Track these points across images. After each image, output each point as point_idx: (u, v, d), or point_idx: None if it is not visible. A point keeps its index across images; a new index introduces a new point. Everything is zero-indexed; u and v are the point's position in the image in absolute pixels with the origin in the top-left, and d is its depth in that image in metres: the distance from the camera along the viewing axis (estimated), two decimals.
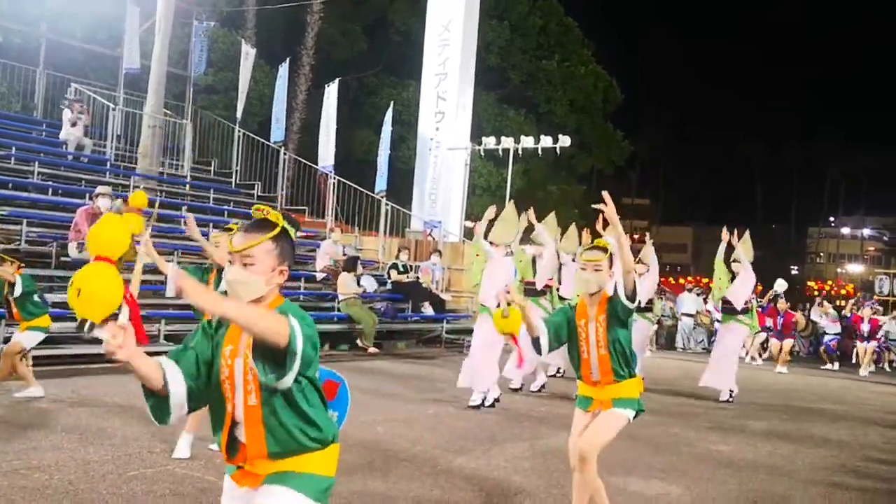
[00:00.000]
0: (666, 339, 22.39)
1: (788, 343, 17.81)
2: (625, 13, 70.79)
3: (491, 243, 9.03)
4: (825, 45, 74.36)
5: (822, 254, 69.69)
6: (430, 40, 21.26)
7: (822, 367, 18.62)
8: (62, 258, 11.37)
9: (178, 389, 2.65)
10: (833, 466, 7.43)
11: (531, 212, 10.27)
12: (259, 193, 18.72)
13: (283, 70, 19.62)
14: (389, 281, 15.84)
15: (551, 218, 11.10)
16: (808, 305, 23.38)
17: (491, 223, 9.22)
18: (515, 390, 10.42)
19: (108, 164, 16.19)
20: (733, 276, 11.20)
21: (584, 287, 4.46)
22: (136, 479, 5.19)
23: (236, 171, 18.97)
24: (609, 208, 4.37)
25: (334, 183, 18.41)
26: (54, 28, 18.72)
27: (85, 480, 5.08)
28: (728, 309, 11.45)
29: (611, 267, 4.39)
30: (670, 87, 70.99)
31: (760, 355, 19.22)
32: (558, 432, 7.99)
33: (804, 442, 8.60)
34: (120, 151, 16.65)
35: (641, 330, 11.82)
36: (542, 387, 10.73)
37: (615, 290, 4.34)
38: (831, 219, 67.77)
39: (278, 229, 2.63)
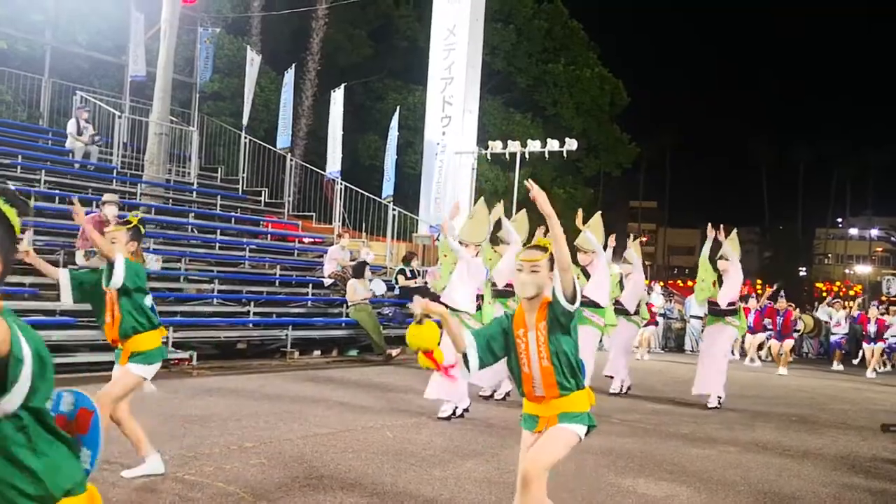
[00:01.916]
0: (675, 341, 22.35)
1: (789, 343, 17.68)
2: (629, 16, 70.74)
3: (461, 242, 8.61)
4: (832, 44, 74.27)
5: (829, 255, 69.45)
6: (436, 45, 21.29)
7: (832, 369, 18.55)
8: (70, 266, 11.38)
9: None
10: (843, 467, 7.39)
11: (499, 207, 9.85)
12: (266, 200, 18.75)
13: (289, 76, 19.66)
14: (397, 286, 15.83)
15: (521, 215, 10.75)
16: (816, 305, 23.33)
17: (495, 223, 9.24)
18: (486, 398, 9.86)
19: (115, 171, 16.23)
20: (719, 276, 10.83)
21: (520, 290, 3.95)
22: (146, 486, 5.19)
23: (243, 177, 19.00)
24: (539, 196, 3.75)
25: (341, 188, 18.43)
26: (59, 36, 18.80)
27: (94, 486, 5.07)
28: (715, 310, 10.96)
29: (552, 268, 3.91)
30: (677, 89, 70.91)
31: (760, 357, 19.09)
32: None
33: (814, 443, 8.56)
34: (126, 159, 16.69)
35: (627, 334, 11.74)
36: (507, 395, 9.97)
37: (553, 292, 3.84)
38: (839, 220, 67.53)
39: None
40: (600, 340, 12.62)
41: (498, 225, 9.97)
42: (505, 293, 9.73)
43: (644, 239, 68.63)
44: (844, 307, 20.99)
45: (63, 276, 5.45)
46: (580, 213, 10.33)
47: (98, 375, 9.59)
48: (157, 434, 6.67)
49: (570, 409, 3.92)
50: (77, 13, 18.80)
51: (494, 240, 10.14)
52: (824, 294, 39.94)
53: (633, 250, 11.58)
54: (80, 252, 11.14)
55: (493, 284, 9.89)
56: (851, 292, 47.52)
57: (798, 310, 20.61)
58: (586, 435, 4.01)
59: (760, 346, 19.39)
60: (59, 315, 10.57)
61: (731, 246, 10.82)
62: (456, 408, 8.36)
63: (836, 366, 18.87)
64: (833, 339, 19.75)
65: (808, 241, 64.98)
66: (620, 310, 11.37)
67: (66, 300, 5.56)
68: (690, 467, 6.90)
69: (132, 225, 5.45)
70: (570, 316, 3.84)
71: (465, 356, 3.92)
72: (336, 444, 6.83)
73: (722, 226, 10.86)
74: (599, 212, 10.73)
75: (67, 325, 10.33)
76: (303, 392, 9.64)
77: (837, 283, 55.37)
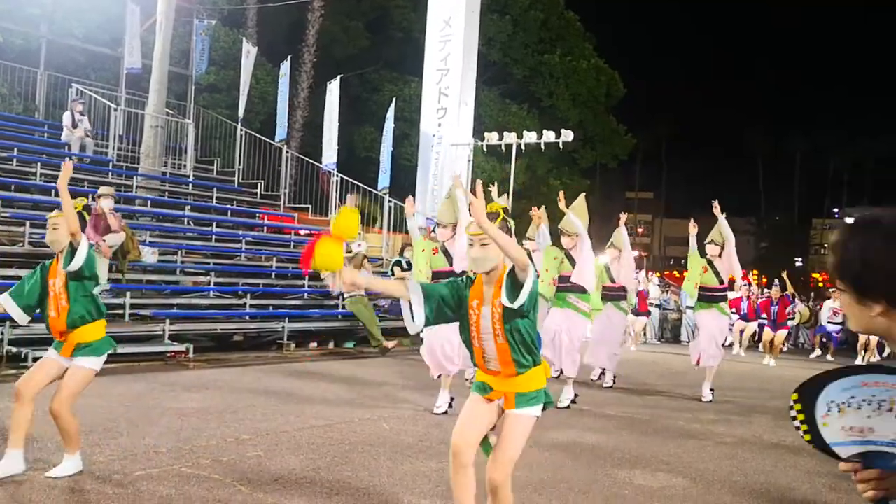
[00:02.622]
0: (671, 332, 22.39)
1: (782, 334, 17.45)
2: (626, 5, 70.57)
3: (437, 224, 8.40)
4: (827, 34, 74.16)
5: (826, 245, 69.54)
6: (432, 36, 21.23)
7: (814, 356, 18.63)
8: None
9: None
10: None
11: (457, 181, 9.80)
12: (262, 192, 18.73)
13: (285, 68, 19.61)
14: (393, 278, 15.84)
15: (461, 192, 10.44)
16: (812, 296, 23.36)
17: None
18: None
19: (111, 164, 16.20)
20: (710, 263, 10.52)
21: (473, 266, 3.81)
22: (143, 479, 5.19)
23: (239, 169, 18.98)
24: (475, 205, 3.44)
25: (337, 180, 18.41)
26: (55, 29, 18.74)
27: (91, 481, 5.09)
28: (708, 296, 10.64)
29: (509, 235, 3.69)
30: (673, 79, 70.81)
31: (744, 345, 19.05)
32: (563, 429, 8.00)
33: None
34: (122, 152, 16.66)
35: (616, 322, 11.28)
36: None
37: (504, 285, 3.66)
38: (835, 210, 67.60)
39: None
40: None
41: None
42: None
43: (640, 230, 68.73)
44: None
45: (4, 301, 5.31)
46: (562, 195, 9.97)
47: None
48: (154, 427, 6.69)
49: (526, 387, 3.82)
50: (73, 6, 18.74)
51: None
52: (820, 284, 40.00)
53: (622, 234, 11.06)
54: None
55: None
56: None
57: (797, 298, 20.59)
58: (544, 410, 3.93)
59: (753, 337, 19.39)
60: None
61: (722, 228, 10.50)
62: (451, 402, 8.31)
63: (816, 352, 19.04)
64: (828, 327, 19.75)
65: (805, 232, 65.04)
66: (611, 296, 11.02)
67: (21, 321, 5.48)
68: (686, 459, 6.92)
69: (77, 211, 5.41)
70: (522, 307, 3.67)
71: (409, 306, 3.73)
72: (332, 437, 6.84)
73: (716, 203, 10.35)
74: (583, 193, 10.34)
75: None
76: (299, 384, 9.65)
77: None
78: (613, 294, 11.10)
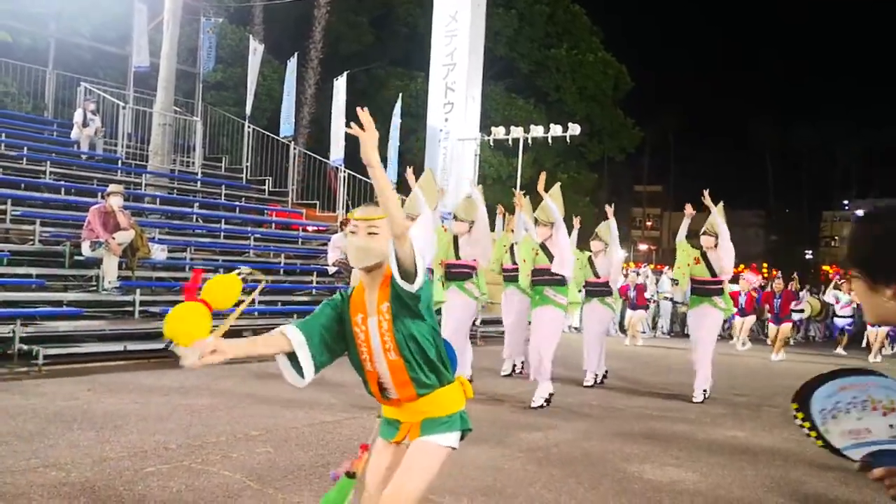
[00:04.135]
0: (681, 325, 22.34)
1: (786, 328, 16.99)
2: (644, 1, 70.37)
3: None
4: (834, 23, 73.80)
5: (836, 237, 69.31)
6: (438, 31, 21.24)
7: (835, 353, 18.50)
8: (76, 257, 11.43)
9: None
10: None
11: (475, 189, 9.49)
12: (270, 188, 18.76)
13: (292, 65, 19.63)
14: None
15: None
16: (823, 288, 23.26)
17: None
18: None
19: (120, 162, 16.26)
20: (703, 255, 9.84)
21: (354, 259, 3.05)
22: (153, 475, 5.22)
23: (247, 166, 19.01)
24: (360, 132, 2.71)
25: (344, 176, 18.42)
26: (63, 28, 18.81)
27: (101, 477, 5.12)
28: (701, 290, 9.91)
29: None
30: (680, 71, 70.58)
31: (743, 339, 18.91)
32: (573, 422, 8.00)
33: None
34: (131, 150, 16.72)
35: (601, 318, 10.83)
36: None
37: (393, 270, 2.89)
38: (845, 202, 67.33)
39: None
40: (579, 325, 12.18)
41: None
42: (461, 274, 9.34)
43: (649, 223, 68.47)
44: (851, 290, 20.73)
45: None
46: (542, 176, 9.36)
47: (104, 365, 9.68)
48: (163, 423, 6.71)
49: (435, 412, 3.08)
50: (80, 5, 18.78)
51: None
52: (831, 277, 39.82)
53: (608, 226, 10.62)
54: (85, 243, 11.16)
55: (448, 266, 9.42)
56: None
57: (806, 291, 20.47)
58: (461, 439, 3.22)
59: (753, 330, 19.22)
60: (66, 306, 10.62)
61: (719, 213, 9.90)
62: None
63: (840, 350, 18.80)
64: (839, 322, 19.65)
65: (815, 224, 64.84)
66: (596, 291, 10.71)
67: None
68: (696, 453, 6.91)
69: None
70: (415, 297, 2.92)
71: (293, 360, 3.04)
72: (342, 432, 6.85)
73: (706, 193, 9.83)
74: (558, 183, 9.84)
75: (74, 317, 10.37)
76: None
77: None
78: (598, 290, 10.71)
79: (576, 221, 10.44)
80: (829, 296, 20.29)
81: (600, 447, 6.88)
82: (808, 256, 60.82)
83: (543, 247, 8.97)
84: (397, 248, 2.82)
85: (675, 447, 7.08)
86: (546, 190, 9.05)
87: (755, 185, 63.23)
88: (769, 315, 17.53)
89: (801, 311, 20.04)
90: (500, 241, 11.05)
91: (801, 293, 19.36)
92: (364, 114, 2.72)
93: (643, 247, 58.06)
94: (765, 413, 9.31)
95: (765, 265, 38.83)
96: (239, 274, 3.02)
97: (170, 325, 2.84)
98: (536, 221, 9.04)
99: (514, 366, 11.13)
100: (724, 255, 9.74)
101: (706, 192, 9.82)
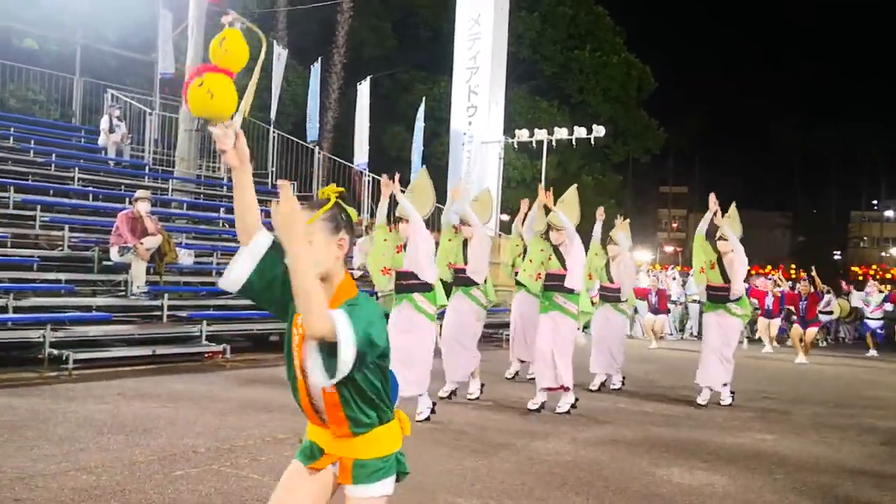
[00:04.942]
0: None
1: (812, 331, 16.56)
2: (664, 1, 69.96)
3: (398, 219, 7.86)
4: (861, 24, 72.88)
5: (865, 238, 68.50)
6: (461, 34, 21.25)
7: (866, 355, 18.27)
8: (104, 262, 11.54)
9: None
10: (882, 455, 7.30)
11: (462, 185, 9.15)
12: (295, 193, 18.81)
13: (316, 70, 19.72)
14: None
15: (485, 194, 10.04)
16: (850, 290, 22.98)
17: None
18: (446, 398, 8.83)
19: (147, 168, 16.41)
20: (719, 260, 9.49)
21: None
22: (182, 479, 5.25)
23: (272, 171, 19.12)
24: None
25: (369, 180, 18.47)
26: (89, 35, 19.04)
27: (131, 481, 5.16)
28: (715, 296, 9.58)
29: (339, 230, 2.59)
30: (706, 72, 70.07)
31: (779, 341, 18.68)
32: (599, 426, 7.96)
33: (851, 430, 8.46)
34: (158, 155, 16.88)
35: (613, 324, 10.62)
36: (482, 387, 9.21)
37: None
38: (874, 202, 66.53)
39: None
40: (587, 327, 11.85)
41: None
42: (468, 280, 9.02)
43: (675, 225, 67.97)
44: (881, 291, 20.42)
45: None
46: (541, 189, 9.18)
47: (133, 369, 9.76)
48: (192, 426, 6.75)
49: (368, 453, 2.69)
50: (106, 12, 18.99)
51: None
52: (860, 278, 39.38)
53: (622, 230, 10.48)
54: (114, 248, 11.27)
55: (458, 271, 9.18)
56: (888, 275, 46.86)
57: (831, 293, 20.20)
58: (398, 481, 2.88)
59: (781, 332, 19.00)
60: (95, 311, 10.72)
61: (731, 223, 9.58)
62: (434, 406, 7.72)
63: (871, 352, 18.56)
64: (870, 324, 19.39)
65: (843, 225, 64.11)
66: (610, 297, 10.58)
67: None
68: (726, 455, 6.85)
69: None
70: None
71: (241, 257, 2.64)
72: None
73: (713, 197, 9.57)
74: (574, 185, 9.58)
75: (103, 321, 10.47)
76: None
77: (874, 267, 54.58)
78: (612, 295, 10.57)
79: (599, 213, 10.18)
80: (857, 299, 20.03)
81: (627, 451, 6.84)
82: (836, 257, 60.12)
83: (557, 251, 8.72)
84: (291, 260, 2.32)
85: (704, 451, 7.01)
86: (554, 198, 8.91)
87: (782, 186, 62.66)
88: (795, 318, 17.25)
89: (830, 312, 19.82)
90: (511, 242, 10.87)
91: (826, 295, 19.09)
92: (283, 187, 2.36)
93: (669, 248, 57.67)
94: (795, 416, 9.21)
95: (793, 266, 38.41)
96: (231, 25, 2.75)
97: (207, 102, 2.55)
98: (549, 226, 8.81)
99: (517, 372, 10.94)
100: (735, 271, 9.43)
101: (712, 197, 9.57)
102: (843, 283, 23.70)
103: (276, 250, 2.60)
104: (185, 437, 6.40)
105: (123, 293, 11.39)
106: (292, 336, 2.62)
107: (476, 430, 7.40)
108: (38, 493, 4.81)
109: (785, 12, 76.32)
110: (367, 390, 2.58)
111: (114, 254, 11.28)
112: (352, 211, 2.72)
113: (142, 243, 11.05)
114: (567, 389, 8.55)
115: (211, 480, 5.24)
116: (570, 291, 8.57)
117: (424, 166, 9.24)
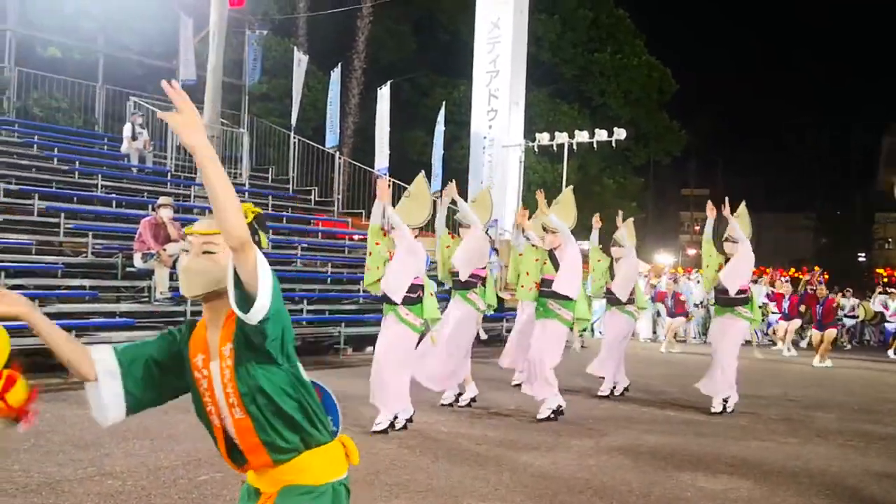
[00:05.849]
0: None
1: (830, 333, 16.19)
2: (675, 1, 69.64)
3: (393, 228, 7.91)
4: (876, 24, 72.08)
5: (890, 239, 67.74)
6: (480, 38, 21.27)
7: (890, 358, 18.07)
8: (128, 269, 11.64)
9: None
10: None
11: (451, 187, 9.10)
12: (316, 198, 18.91)
13: (336, 75, 19.77)
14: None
15: (484, 194, 9.87)
16: (868, 294, 22.78)
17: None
18: (448, 405, 8.85)
19: (169, 174, 16.54)
20: (727, 260, 9.22)
21: (184, 285, 2.39)
22: (207, 484, 5.28)
23: (293, 177, 19.21)
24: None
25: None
26: (111, 43, 19.24)
27: (157, 486, 5.19)
28: (722, 299, 9.26)
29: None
30: (726, 72, 69.62)
31: (796, 344, 18.47)
32: (622, 430, 7.93)
33: (877, 432, 8.38)
34: (180, 162, 16.99)
35: (619, 327, 10.41)
36: (473, 400, 8.95)
37: (232, 296, 2.17)
38: None
39: None
40: (589, 330, 11.53)
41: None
42: (466, 284, 8.89)
43: (697, 228, 67.48)
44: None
45: None
46: (540, 195, 9.01)
47: None
48: None
49: (297, 480, 2.40)
50: (127, 20, 19.18)
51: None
52: (885, 279, 38.92)
53: (626, 231, 10.24)
54: (137, 255, 11.36)
55: (454, 275, 9.08)
56: None
57: (850, 295, 20.00)
58: None
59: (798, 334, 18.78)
60: (119, 317, 10.82)
61: (740, 223, 9.31)
62: (395, 418, 7.37)
63: (892, 353, 18.34)
64: (890, 327, 19.20)
65: (867, 226, 63.42)
66: (612, 299, 10.40)
67: None
68: (750, 460, 6.80)
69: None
70: (263, 335, 2.25)
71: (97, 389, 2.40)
72: (390, 440, 6.87)
73: (726, 202, 9.32)
74: (570, 187, 9.46)
75: (127, 327, 10.56)
76: (356, 389, 9.68)
77: None
78: (616, 297, 10.32)
79: (595, 220, 10.08)
80: (877, 303, 19.85)
81: (651, 454, 6.81)
82: (860, 259, 59.49)
83: (552, 256, 8.53)
84: (237, 263, 2.12)
85: (728, 454, 6.97)
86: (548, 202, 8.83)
87: (805, 187, 62.09)
88: (814, 321, 17.04)
89: (855, 316, 19.66)
90: (515, 250, 10.77)
91: (846, 299, 18.91)
92: (172, 89, 2.19)
93: (691, 251, 57.32)
94: (818, 419, 9.12)
95: (816, 268, 38.07)
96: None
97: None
98: (545, 229, 8.63)
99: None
100: (740, 270, 9.18)
101: (727, 204, 9.37)
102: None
103: (123, 358, 2.46)
104: (210, 442, 6.41)
105: (147, 299, 11.48)
106: (198, 381, 2.45)
107: (498, 434, 7.39)
108: (64, 497, 4.86)
109: (803, 11, 75.77)
110: (284, 407, 2.34)
111: (137, 260, 11.38)
112: (263, 237, 2.51)
113: (165, 249, 11.13)
114: (543, 400, 8.28)
115: (235, 485, 5.27)
116: (565, 298, 8.36)
117: (423, 172, 9.13)
